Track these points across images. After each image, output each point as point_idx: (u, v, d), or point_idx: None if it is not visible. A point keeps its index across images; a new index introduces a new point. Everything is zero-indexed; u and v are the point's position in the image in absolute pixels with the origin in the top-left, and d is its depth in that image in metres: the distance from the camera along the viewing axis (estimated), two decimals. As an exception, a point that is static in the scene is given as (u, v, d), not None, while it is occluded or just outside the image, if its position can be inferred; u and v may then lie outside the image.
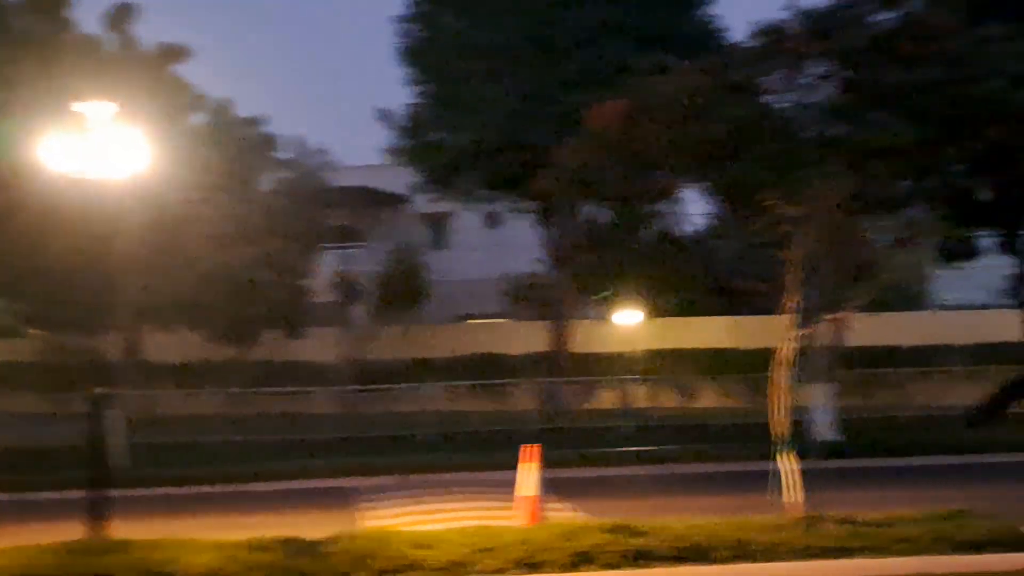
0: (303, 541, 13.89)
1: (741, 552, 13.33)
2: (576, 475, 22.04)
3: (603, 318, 33.64)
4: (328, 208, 37.52)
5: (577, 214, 32.19)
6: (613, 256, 28.67)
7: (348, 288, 40.83)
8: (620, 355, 33.79)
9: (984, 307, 37.34)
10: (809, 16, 25.04)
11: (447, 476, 22.12)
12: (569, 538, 13.59)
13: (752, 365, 29.59)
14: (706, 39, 30.52)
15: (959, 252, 30.51)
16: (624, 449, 25.46)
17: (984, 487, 20.17)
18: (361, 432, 29.74)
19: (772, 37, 25.09)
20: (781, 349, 15.16)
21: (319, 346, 38.10)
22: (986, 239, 30.93)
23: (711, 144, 24.45)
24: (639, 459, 24.25)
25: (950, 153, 25.42)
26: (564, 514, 16.50)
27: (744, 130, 24.33)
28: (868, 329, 31.85)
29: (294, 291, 35.05)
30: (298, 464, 24.01)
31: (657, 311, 33.25)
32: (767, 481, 15.02)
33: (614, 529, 14.00)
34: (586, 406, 34.09)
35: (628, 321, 31.84)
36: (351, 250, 43.86)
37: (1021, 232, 29.84)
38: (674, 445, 25.81)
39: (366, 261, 42.94)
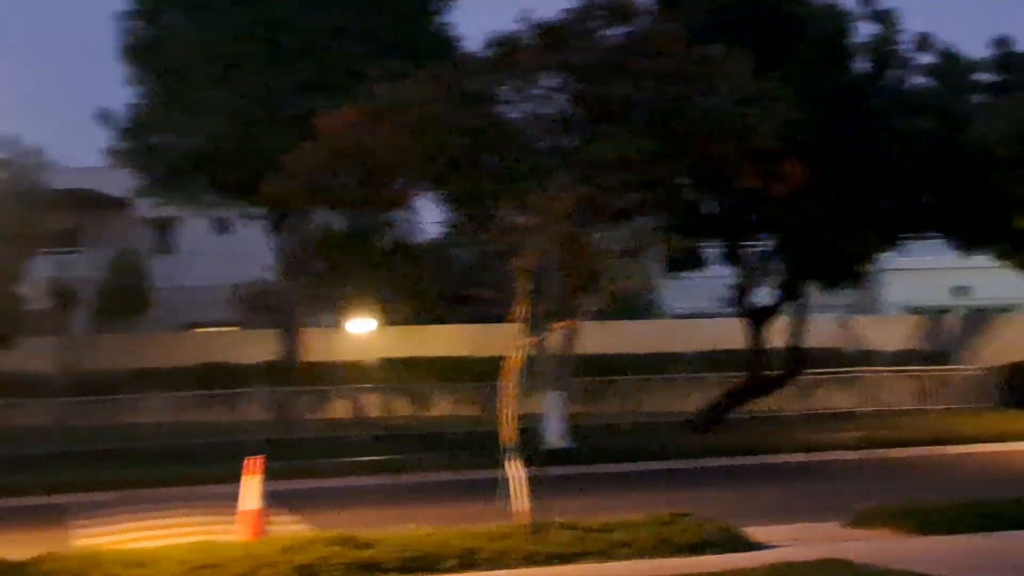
0: (5, 563, 13.06)
1: (468, 561, 13.29)
2: (306, 486, 21.66)
3: (337, 326, 33.27)
4: (44, 211, 35.68)
5: (310, 221, 31.70)
6: (347, 264, 28.36)
7: (65, 295, 39.04)
8: (354, 364, 33.44)
9: (710, 316, 38.62)
10: (542, 29, 25.31)
11: (170, 490, 21.40)
12: (293, 552, 13.24)
13: (487, 373, 29.64)
14: (441, 47, 30.49)
15: (686, 262, 31.41)
16: (356, 459, 25.18)
17: (706, 490, 20.81)
18: (79, 446, 28.44)
19: (505, 48, 25.25)
20: (510, 357, 15.18)
21: (33, 356, 36.17)
22: (712, 249, 31.96)
23: (444, 153, 24.42)
24: (371, 469, 24.02)
25: (677, 166, 26.11)
26: (290, 527, 16.14)
27: (477, 139, 24.40)
28: (599, 337, 32.49)
29: (4, 298, 33.22)
30: (8, 481, 22.73)
31: (392, 319, 33.07)
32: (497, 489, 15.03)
33: (340, 541, 13.71)
34: (319, 416, 33.54)
35: (362, 329, 31.58)
36: (69, 255, 42.03)
37: (743, 243, 30.97)
38: (408, 454, 25.69)
39: (86, 267, 41.23)
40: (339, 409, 33.91)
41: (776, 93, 25.81)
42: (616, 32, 26.00)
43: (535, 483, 14.98)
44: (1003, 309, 43.06)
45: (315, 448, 27.37)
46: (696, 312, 42.17)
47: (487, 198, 23.32)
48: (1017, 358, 35.75)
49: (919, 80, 31.16)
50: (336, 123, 24.60)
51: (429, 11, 32.32)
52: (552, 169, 24.03)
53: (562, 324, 26.81)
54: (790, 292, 30.74)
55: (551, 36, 25.14)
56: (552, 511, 14.89)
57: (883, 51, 29.83)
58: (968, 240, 33.07)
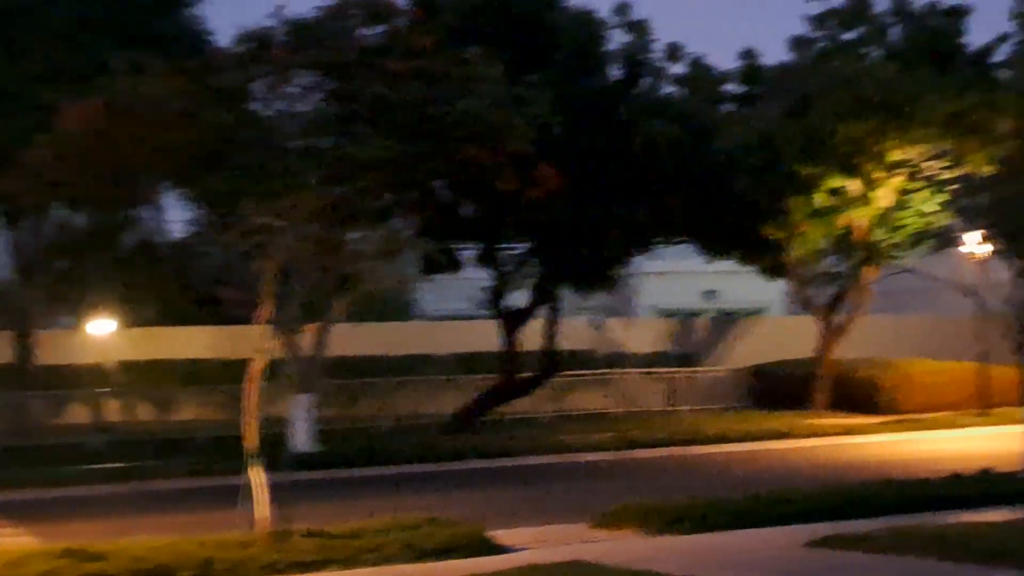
0: None
1: (205, 571, 12.96)
2: (38, 496, 20.73)
3: (76, 328, 31.77)
4: None
5: (48, 218, 30.26)
6: (87, 263, 27.29)
7: None
8: (94, 367, 31.98)
9: (466, 318, 38.67)
10: (295, 25, 24.83)
11: None
12: (15, 566, 12.66)
13: (235, 376, 28.79)
14: (191, 41, 29.54)
15: (442, 264, 31.33)
16: (94, 466, 24.15)
17: (459, 493, 20.79)
18: None
19: (258, 44, 24.67)
20: (254, 360, 14.74)
21: None
22: (468, 252, 31.97)
23: (192, 150, 23.67)
24: (110, 476, 23.09)
25: (433, 168, 26.02)
26: (16, 539, 15.29)
27: (226, 137, 23.74)
28: (353, 339, 32.06)
29: None
30: None
31: (135, 320, 31.81)
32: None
33: (68, 554, 13.12)
34: (55, 421, 31.98)
35: (103, 331, 30.24)
36: None
37: (499, 246, 31.08)
38: (149, 461, 24.78)
39: None
40: (77, 414, 32.37)
41: (531, 97, 26.00)
42: (372, 32, 25.72)
43: (282, 489, 14.65)
44: (749, 312, 44.57)
45: (50, 455, 26.02)
46: (452, 314, 42.19)
47: (236, 197, 22.72)
48: (762, 360, 37.02)
49: (670, 89, 31.94)
50: (77, 116, 23.51)
51: (180, 3, 31.28)
52: (305, 169, 23.64)
53: (312, 326, 26.52)
54: (544, 295, 31.02)
55: (305, 33, 24.68)
56: (298, 518, 14.63)
57: (635, 60, 30.43)
58: (715, 245, 34.10)
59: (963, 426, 30.00)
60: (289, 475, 21.90)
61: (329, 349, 26.92)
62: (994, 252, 31.69)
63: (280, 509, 14.45)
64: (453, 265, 31.78)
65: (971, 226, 31.40)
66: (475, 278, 33.03)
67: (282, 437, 24.80)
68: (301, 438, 25.17)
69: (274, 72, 24.89)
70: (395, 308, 40.76)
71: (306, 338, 26.04)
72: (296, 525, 14.36)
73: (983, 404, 32.19)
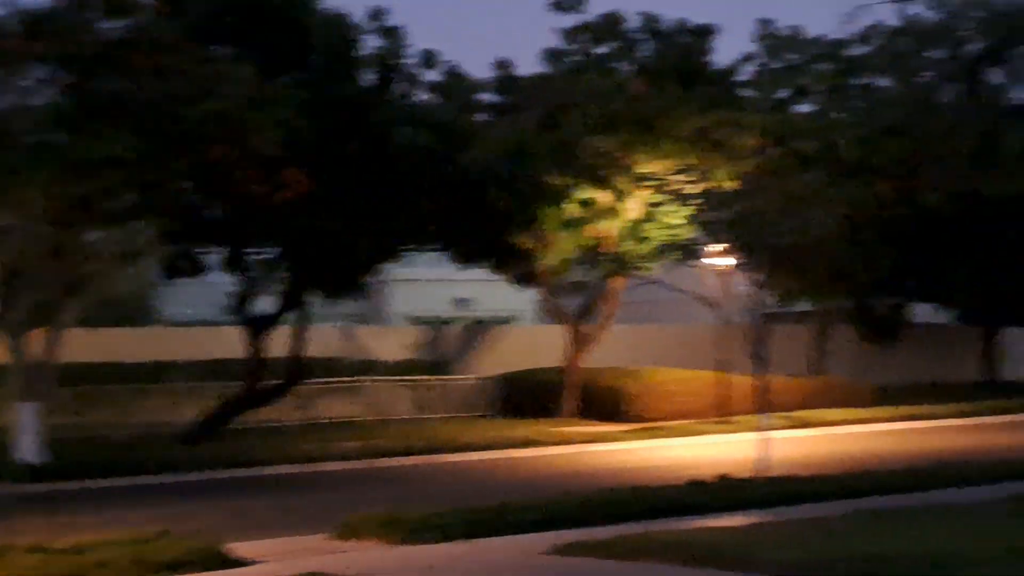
0: None
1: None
2: None
3: None
4: None
5: None
6: None
7: None
8: None
9: (211, 324, 37.60)
10: (28, 16, 23.62)
11: None
12: None
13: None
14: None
15: (184, 268, 30.35)
16: None
17: (196, 505, 20.18)
18: None
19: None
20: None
21: None
22: (212, 255, 31.06)
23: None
24: None
25: (175, 169, 25.18)
26: None
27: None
28: (88, 345, 30.69)
29: None
30: None
31: None
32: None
33: None
34: None
35: None
36: None
37: (246, 250, 30.31)
38: None
39: None
40: None
41: (281, 99, 25.44)
42: (114, 25, 24.71)
43: (6, 502, 13.89)
44: (501, 321, 44.91)
45: None
46: (196, 320, 41.05)
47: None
48: (513, 368, 37.27)
49: (424, 96, 31.83)
50: None
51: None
52: (36, 166, 22.53)
53: (42, 330, 25.24)
54: (292, 301, 30.40)
55: (38, 24, 23.51)
56: (21, 533, 13.91)
57: (389, 65, 30.15)
58: (467, 253, 34.17)
59: (704, 433, 30.90)
60: (14, 487, 20.90)
61: (61, 355, 25.64)
62: (735, 265, 32.73)
63: (1, 523, 13.67)
64: (197, 269, 30.83)
65: (714, 239, 32.31)
66: (221, 283, 32.14)
67: (6, 447, 23.54)
68: (28, 448, 23.85)
69: (6, 64, 23.65)
70: (133, 313, 39.31)
71: (34, 343, 24.75)
72: (18, 540, 13.72)
73: (723, 412, 33.18)
